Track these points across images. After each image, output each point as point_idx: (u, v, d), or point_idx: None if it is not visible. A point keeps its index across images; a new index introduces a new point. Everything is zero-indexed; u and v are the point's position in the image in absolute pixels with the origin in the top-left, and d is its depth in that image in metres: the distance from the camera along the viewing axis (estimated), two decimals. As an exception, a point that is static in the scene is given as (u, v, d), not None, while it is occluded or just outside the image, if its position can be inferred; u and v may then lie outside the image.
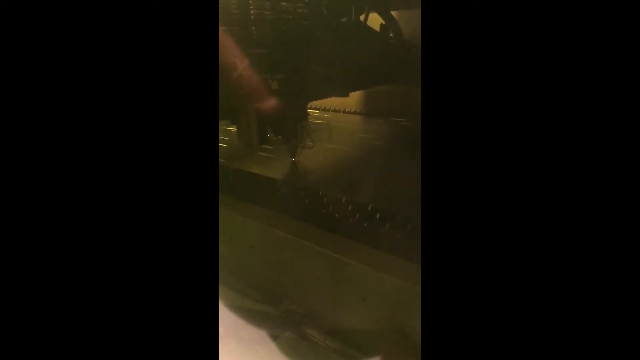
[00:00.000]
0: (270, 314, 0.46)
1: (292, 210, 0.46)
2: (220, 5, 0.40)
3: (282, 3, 0.45)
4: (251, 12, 0.43)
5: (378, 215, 0.42)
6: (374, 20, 0.63)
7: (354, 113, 0.86)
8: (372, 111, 0.83)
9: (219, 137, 0.60)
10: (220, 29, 0.39)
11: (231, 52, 0.37)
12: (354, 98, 0.80)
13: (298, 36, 0.46)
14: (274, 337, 0.42)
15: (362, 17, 0.60)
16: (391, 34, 0.63)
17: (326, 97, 0.58)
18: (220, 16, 0.40)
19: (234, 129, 0.69)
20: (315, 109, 0.86)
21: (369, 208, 0.43)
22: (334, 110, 0.88)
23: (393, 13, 0.64)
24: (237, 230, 0.49)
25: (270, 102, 0.40)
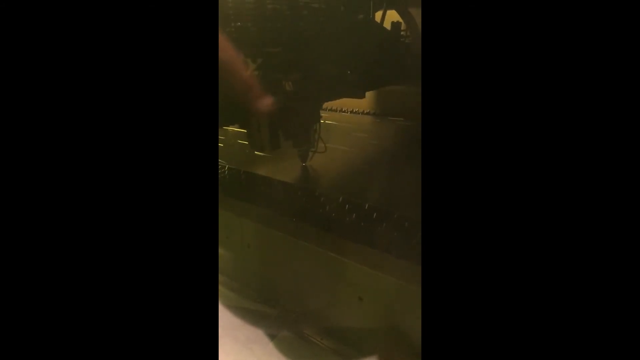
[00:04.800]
0: (267, 313, 0.46)
1: (289, 210, 0.46)
2: (235, 0, 0.37)
3: None
4: (269, 7, 0.39)
5: (375, 214, 0.42)
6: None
7: (352, 112, 0.86)
8: (368, 110, 0.84)
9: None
10: (231, 28, 0.37)
11: (242, 51, 0.34)
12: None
13: (314, 34, 0.42)
14: (271, 337, 0.42)
15: (378, 15, 0.56)
16: (403, 32, 0.59)
17: (340, 98, 0.54)
18: (235, 12, 0.37)
19: (231, 128, 0.69)
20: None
21: (366, 207, 0.43)
22: (331, 109, 0.88)
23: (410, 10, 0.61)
24: (234, 230, 0.48)
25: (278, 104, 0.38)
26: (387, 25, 0.58)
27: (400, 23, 0.58)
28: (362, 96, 0.53)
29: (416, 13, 0.62)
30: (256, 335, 0.42)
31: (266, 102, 0.28)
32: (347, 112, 0.87)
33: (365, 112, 0.84)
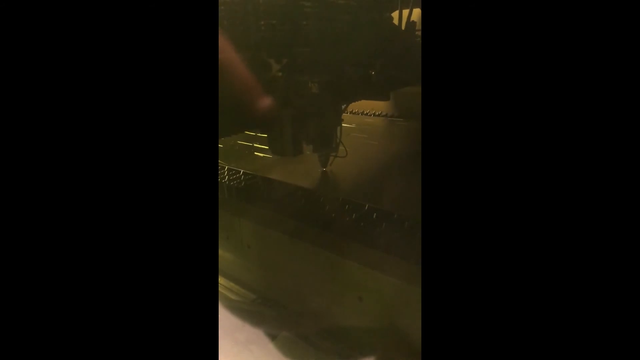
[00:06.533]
0: (267, 314, 0.46)
1: (288, 210, 0.46)
2: None
3: None
4: (299, 4, 0.36)
5: (374, 214, 0.42)
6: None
7: (351, 112, 0.86)
8: (367, 111, 0.84)
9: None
10: (260, 27, 0.34)
11: (269, 51, 0.32)
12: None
13: (340, 32, 0.39)
14: (271, 338, 0.42)
15: (405, 13, 0.53)
16: (417, 32, 0.56)
17: (363, 100, 0.52)
18: (265, 8, 0.35)
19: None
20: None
21: (366, 207, 0.43)
22: (330, 110, 0.88)
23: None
24: (234, 231, 0.48)
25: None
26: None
27: (415, 22, 0.55)
28: (388, 98, 0.51)
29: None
30: (256, 335, 0.42)
31: (266, 103, 0.28)
32: (347, 113, 0.86)
33: (364, 112, 0.84)
